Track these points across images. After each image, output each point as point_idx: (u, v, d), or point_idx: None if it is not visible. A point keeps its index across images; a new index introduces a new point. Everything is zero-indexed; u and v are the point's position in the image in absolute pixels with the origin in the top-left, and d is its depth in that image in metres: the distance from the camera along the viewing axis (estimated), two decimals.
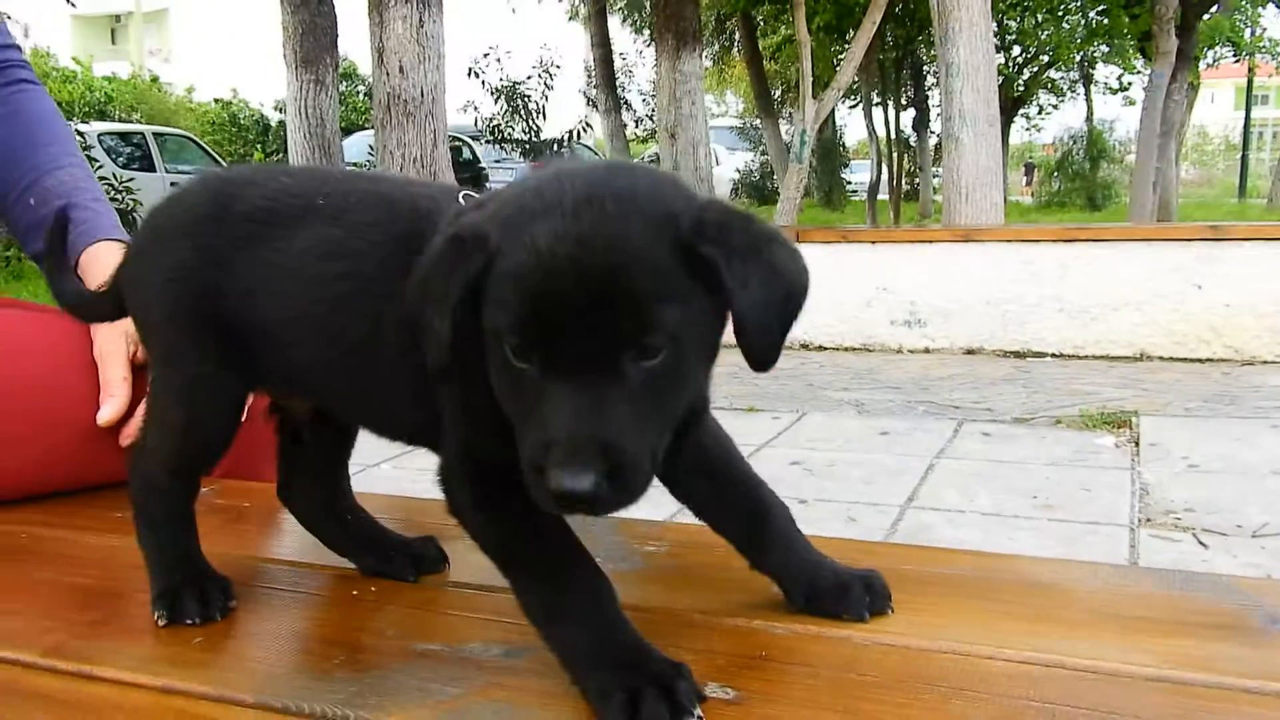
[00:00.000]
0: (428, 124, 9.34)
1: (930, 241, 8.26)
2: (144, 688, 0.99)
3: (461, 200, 1.03)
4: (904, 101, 26.52)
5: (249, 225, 1.10)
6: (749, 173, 31.07)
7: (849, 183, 31.05)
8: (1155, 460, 4.96)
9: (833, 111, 18.84)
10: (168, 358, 1.15)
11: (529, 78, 18.79)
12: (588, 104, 23.20)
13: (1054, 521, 4.15)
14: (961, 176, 9.42)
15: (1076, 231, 8.11)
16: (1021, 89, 26.16)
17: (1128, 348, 7.60)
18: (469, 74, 18.19)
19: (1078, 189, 28.46)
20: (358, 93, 28.14)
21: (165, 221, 1.16)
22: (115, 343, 1.60)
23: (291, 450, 1.28)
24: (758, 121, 27.05)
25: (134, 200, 14.51)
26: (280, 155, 22.28)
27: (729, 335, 0.92)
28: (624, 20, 26.24)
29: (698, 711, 0.89)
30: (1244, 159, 36.30)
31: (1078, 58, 24.71)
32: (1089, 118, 29.62)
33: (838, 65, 16.29)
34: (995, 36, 10.73)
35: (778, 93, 28.73)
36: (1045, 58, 24.52)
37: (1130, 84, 23.62)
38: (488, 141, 20.24)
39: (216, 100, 28.75)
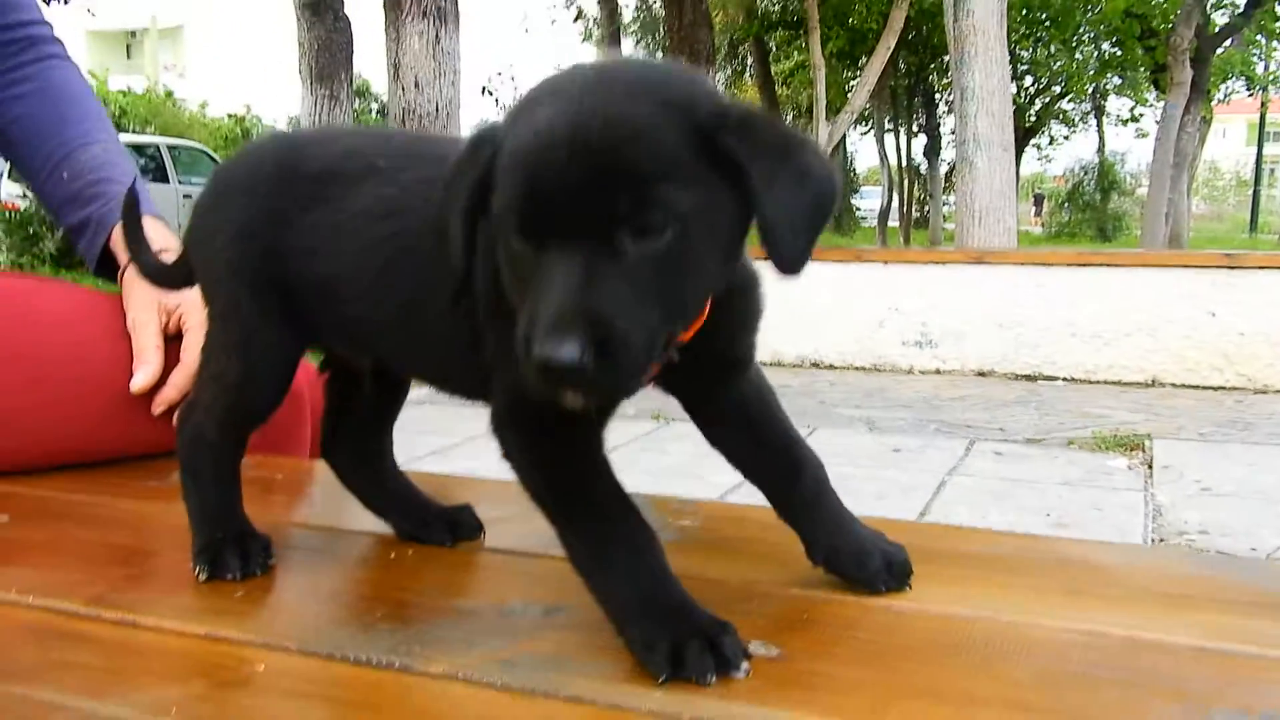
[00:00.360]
0: None
1: (943, 263, 8.26)
2: (188, 635, 0.99)
3: None
4: (915, 128, 26.62)
5: (314, 186, 1.10)
6: None
7: (858, 209, 31.15)
8: (1169, 483, 4.94)
9: (843, 137, 18.91)
10: (226, 313, 1.16)
11: None
12: None
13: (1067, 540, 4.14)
14: (975, 200, 9.46)
15: (1090, 256, 8.11)
16: (1033, 119, 26.26)
17: (1139, 373, 7.59)
18: (482, 92, 18.33)
19: (1088, 220, 28.52)
20: (370, 109, 28.33)
21: (233, 180, 1.17)
22: (148, 312, 1.61)
23: (339, 408, 1.28)
24: None
25: None
26: None
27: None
28: (638, 43, 26.42)
29: (745, 665, 0.89)
30: (1255, 194, 36.39)
31: (1090, 89, 24.81)
32: (1100, 149, 29.68)
33: (849, 91, 16.38)
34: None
35: (789, 117, 28.86)
36: (1058, 88, 24.63)
37: (1142, 115, 23.72)
38: None
39: (230, 115, 28.96)
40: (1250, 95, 23.77)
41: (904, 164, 26.01)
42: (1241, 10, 18.49)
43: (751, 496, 1.18)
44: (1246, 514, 4.44)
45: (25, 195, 14.21)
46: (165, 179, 18.30)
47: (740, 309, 1.02)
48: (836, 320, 8.02)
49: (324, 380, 1.27)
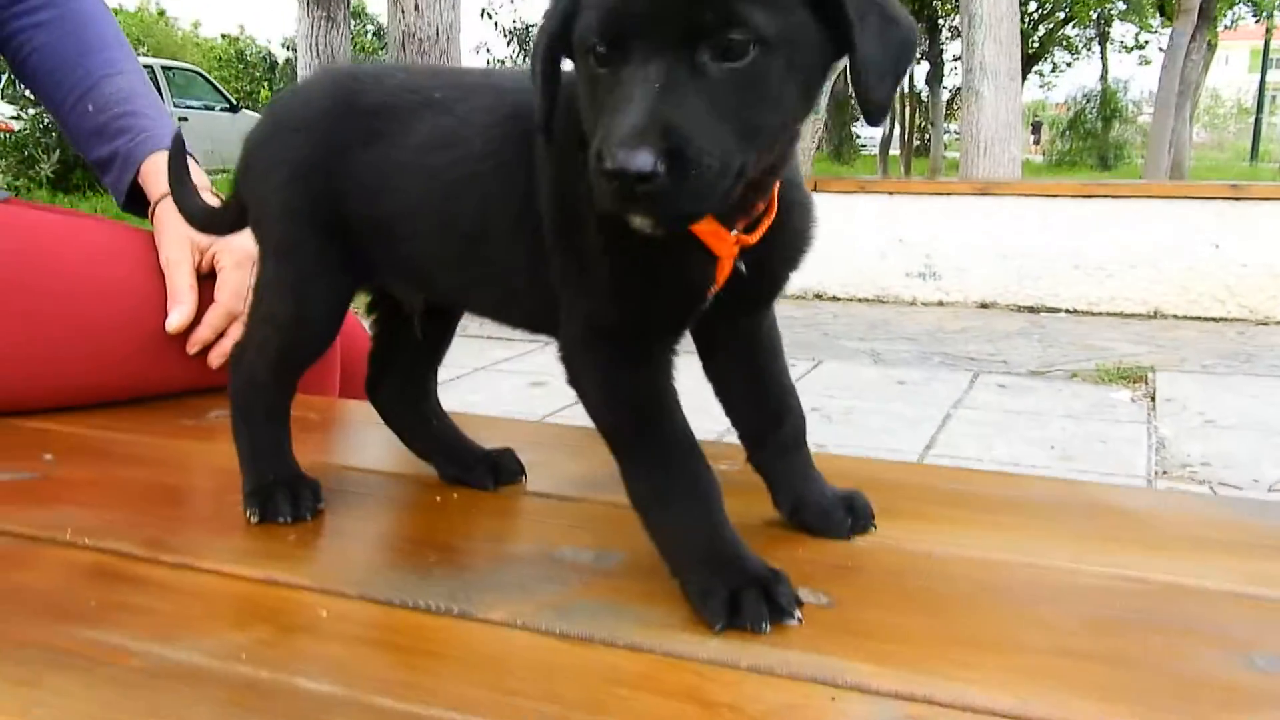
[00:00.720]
0: (441, 63, 9.26)
1: (947, 194, 8.20)
2: (246, 579, 1.01)
3: None
4: (918, 56, 26.29)
5: (371, 121, 1.09)
6: None
7: (858, 136, 30.88)
8: (1171, 415, 4.97)
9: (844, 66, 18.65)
10: (280, 252, 1.15)
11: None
12: None
13: (1072, 472, 4.18)
14: (980, 130, 9.38)
15: (1095, 188, 8.06)
16: (1036, 45, 25.92)
17: (1142, 305, 7.59)
18: (482, 15, 18.05)
19: (1089, 148, 28.29)
20: (366, 31, 27.90)
21: (288, 116, 1.15)
22: (181, 250, 1.60)
23: (386, 347, 1.28)
24: None
25: None
26: None
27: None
28: None
29: (798, 614, 0.91)
30: (1257, 122, 36.08)
31: (1095, 15, 24.45)
32: (1104, 76, 29.36)
33: None
34: None
35: None
36: (1062, 14, 24.28)
37: (1146, 43, 23.41)
38: None
39: (224, 36, 28.53)
40: (1257, 21, 23.47)
41: (906, 91, 25.72)
42: None
43: None
44: (1249, 446, 4.48)
45: (20, 116, 14.00)
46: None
47: (799, 226, 1.02)
48: (840, 252, 7.99)
49: (371, 321, 1.27)
